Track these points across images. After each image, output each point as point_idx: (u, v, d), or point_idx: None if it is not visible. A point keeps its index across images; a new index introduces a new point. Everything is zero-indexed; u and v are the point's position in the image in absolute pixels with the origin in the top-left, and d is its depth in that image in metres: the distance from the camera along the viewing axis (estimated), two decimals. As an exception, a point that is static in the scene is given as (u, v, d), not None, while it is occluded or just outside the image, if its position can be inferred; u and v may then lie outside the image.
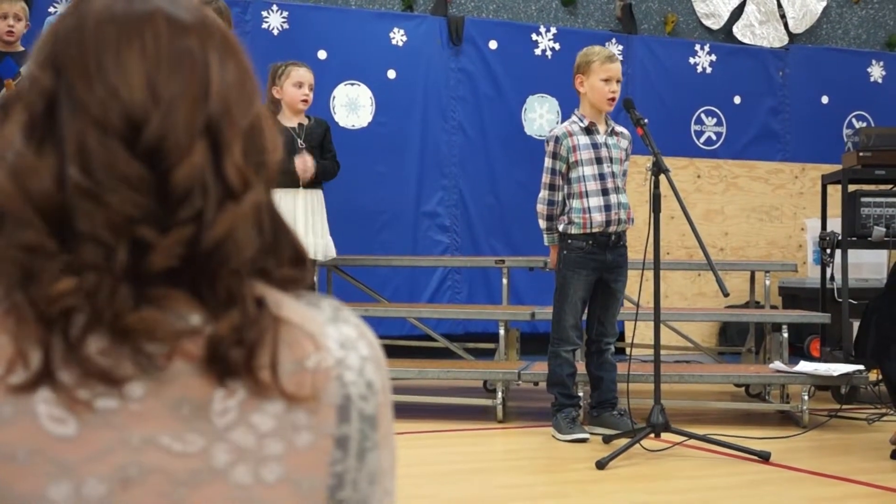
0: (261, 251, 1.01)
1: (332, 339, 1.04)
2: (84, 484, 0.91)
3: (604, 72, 5.50)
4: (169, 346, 0.95)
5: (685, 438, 5.12)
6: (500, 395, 5.98)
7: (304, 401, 0.99)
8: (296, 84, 6.18)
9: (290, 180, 6.10)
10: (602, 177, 5.52)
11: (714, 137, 9.14)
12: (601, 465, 4.75)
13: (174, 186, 0.96)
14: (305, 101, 6.22)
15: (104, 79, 0.98)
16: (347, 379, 1.03)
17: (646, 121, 5.33)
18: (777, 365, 6.14)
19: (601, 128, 5.61)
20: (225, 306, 0.97)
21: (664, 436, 5.12)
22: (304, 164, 6.10)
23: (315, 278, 6.44)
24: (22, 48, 6.32)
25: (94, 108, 0.97)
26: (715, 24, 9.46)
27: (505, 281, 7.11)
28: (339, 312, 1.08)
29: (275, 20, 7.90)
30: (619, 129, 5.71)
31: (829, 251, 6.78)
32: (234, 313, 0.97)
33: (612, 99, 5.55)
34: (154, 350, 0.94)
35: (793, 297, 8.19)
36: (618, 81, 5.56)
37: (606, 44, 8.34)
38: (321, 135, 6.33)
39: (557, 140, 5.56)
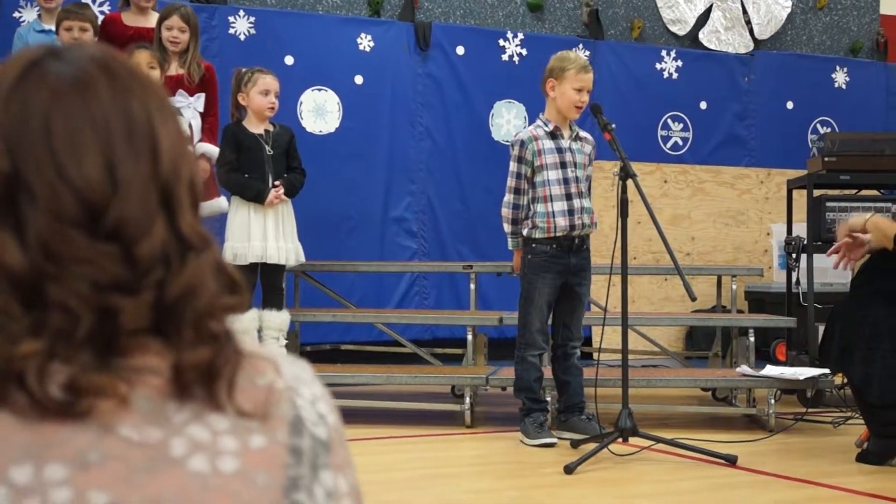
0: (217, 291, 1.05)
1: (287, 371, 1.09)
2: (45, 467, 0.94)
3: (578, 81, 5.51)
4: (123, 399, 0.98)
5: (653, 442, 5.13)
6: (467, 400, 5.98)
7: (255, 417, 1.03)
8: (262, 92, 6.17)
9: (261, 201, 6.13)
10: (566, 181, 5.53)
11: (680, 143, 9.18)
12: (569, 469, 4.75)
13: (138, 259, 1.00)
14: (272, 108, 6.21)
15: (58, 167, 0.99)
16: (299, 403, 1.07)
17: (613, 126, 5.34)
18: (743, 369, 6.16)
19: (566, 133, 5.62)
20: (192, 345, 1.01)
21: (632, 440, 5.13)
22: (278, 196, 6.11)
23: (283, 284, 6.43)
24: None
25: (48, 199, 0.98)
26: (681, 29, 9.50)
27: (473, 286, 7.12)
28: (297, 361, 1.13)
29: (241, 25, 7.87)
30: (583, 134, 5.73)
31: (794, 256, 6.81)
32: (203, 350, 1.01)
33: (580, 108, 5.56)
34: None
35: (759, 301, 8.24)
36: (588, 91, 5.57)
37: (573, 49, 8.36)
38: (287, 142, 6.32)
39: (523, 144, 5.57)
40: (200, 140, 6.47)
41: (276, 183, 6.17)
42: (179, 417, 1.00)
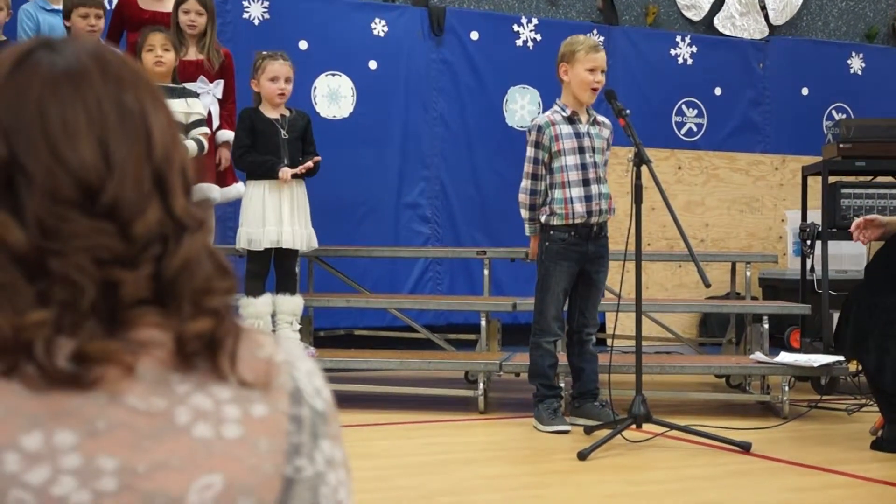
0: (212, 271, 1.09)
1: (283, 347, 1.14)
2: (54, 434, 0.97)
3: (589, 61, 5.49)
4: (129, 367, 1.02)
5: (666, 429, 5.13)
6: (481, 386, 5.98)
7: (256, 387, 1.07)
8: (271, 79, 6.15)
9: (275, 173, 6.10)
10: (584, 167, 5.51)
11: (695, 129, 9.15)
12: (583, 455, 4.76)
13: (134, 237, 1.03)
14: (282, 94, 6.19)
15: (53, 150, 1.03)
16: (297, 375, 1.11)
17: (628, 112, 5.32)
18: (757, 356, 6.16)
19: (583, 117, 5.60)
20: (193, 317, 1.05)
21: (645, 426, 5.13)
22: (286, 176, 6.07)
23: (297, 269, 6.43)
24: (4, 38, 6.27)
25: (45, 181, 1.02)
26: (696, 15, 9.47)
27: (486, 272, 7.11)
28: (287, 339, 1.18)
29: (256, 10, 7.86)
30: (600, 118, 5.70)
31: (809, 242, 6.80)
32: (204, 321, 1.05)
33: (595, 89, 5.54)
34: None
35: (773, 288, 8.22)
36: (602, 71, 5.55)
37: (587, 35, 8.33)
38: (303, 127, 6.32)
39: (540, 129, 5.55)
40: (220, 127, 6.47)
41: (313, 160, 6.18)
42: (183, 388, 1.03)
